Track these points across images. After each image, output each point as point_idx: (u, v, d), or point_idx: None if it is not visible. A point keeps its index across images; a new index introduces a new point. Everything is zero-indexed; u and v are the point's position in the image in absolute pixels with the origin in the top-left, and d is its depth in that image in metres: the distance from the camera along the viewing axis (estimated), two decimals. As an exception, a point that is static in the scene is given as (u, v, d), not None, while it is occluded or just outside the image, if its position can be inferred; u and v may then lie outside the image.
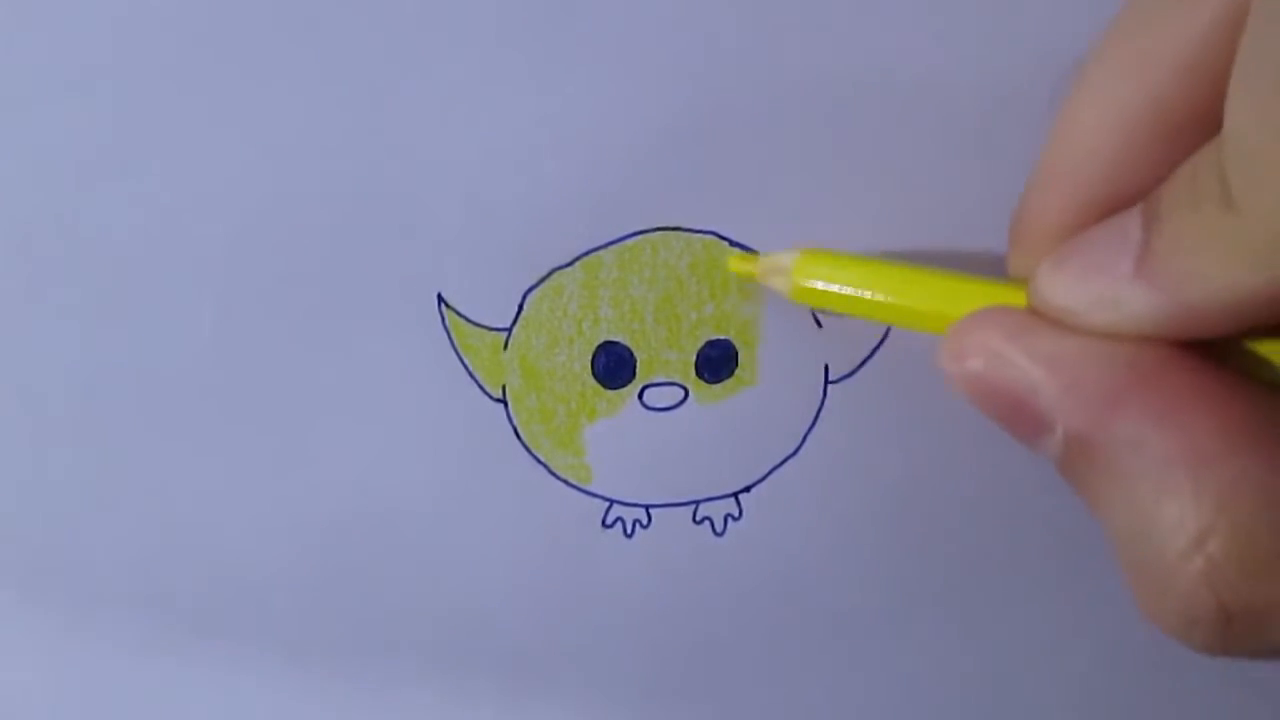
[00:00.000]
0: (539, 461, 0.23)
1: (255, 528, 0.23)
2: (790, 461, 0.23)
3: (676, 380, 0.23)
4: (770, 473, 0.23)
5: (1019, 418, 0.16)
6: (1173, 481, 0.14)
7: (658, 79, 0.21)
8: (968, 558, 0.24)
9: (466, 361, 0.22)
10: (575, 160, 0.21)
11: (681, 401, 0.23)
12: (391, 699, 0.24)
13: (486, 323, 0.22)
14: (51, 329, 0.22)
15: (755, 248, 0.22)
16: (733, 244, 0.22)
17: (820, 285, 0.20)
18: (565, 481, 0.23)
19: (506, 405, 0.23)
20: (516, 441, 0.23)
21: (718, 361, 0.23)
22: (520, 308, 0.22)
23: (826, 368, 0.23)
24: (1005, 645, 0.25)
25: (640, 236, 0.22)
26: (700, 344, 0.23)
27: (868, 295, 0.20)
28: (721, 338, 0.23)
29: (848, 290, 0.20)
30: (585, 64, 0.21)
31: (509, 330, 0.22)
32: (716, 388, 0.23)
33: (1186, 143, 0.15)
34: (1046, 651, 0.25)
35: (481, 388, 0.22)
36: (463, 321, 0.22)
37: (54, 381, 0.22)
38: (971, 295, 0.18)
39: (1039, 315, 0.17)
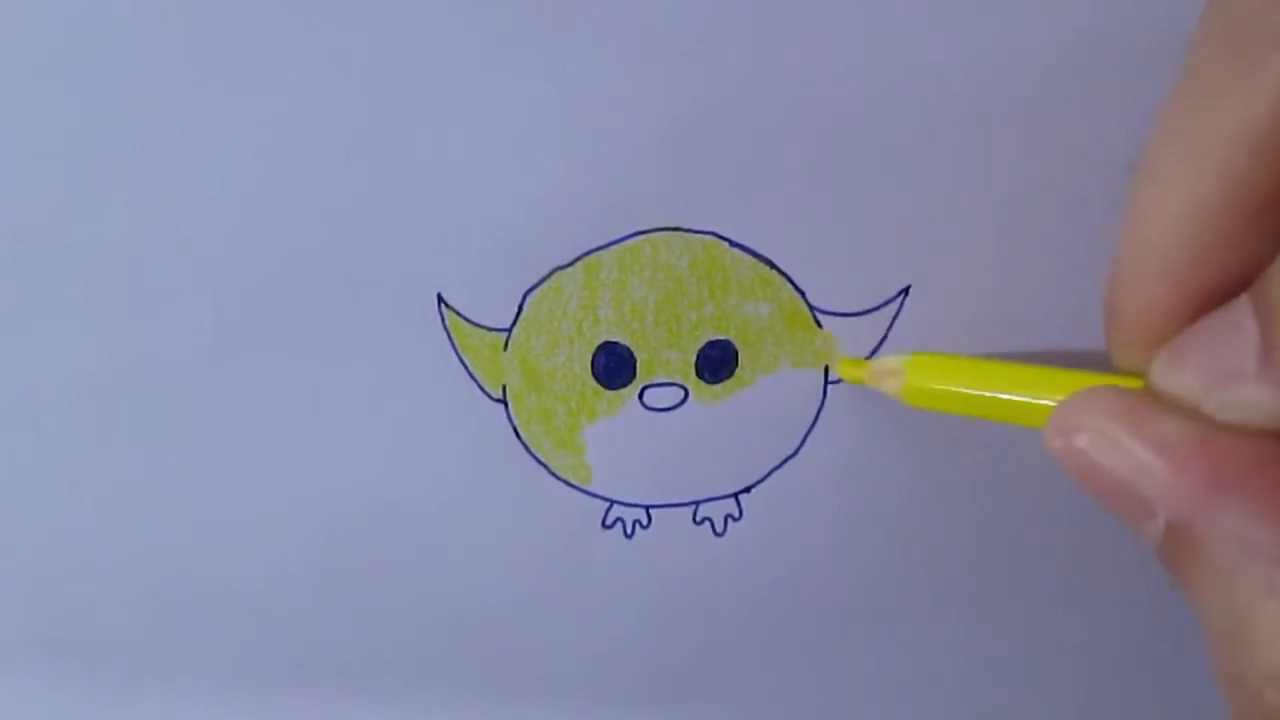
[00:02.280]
0: (539, 461, 0.23)
1: (256, 527, 0.23)
2: (790, 461, 0.23)
3: (677, 380, 0.23)
4: (770, 473, 0.23)
5: (1122, 500, 0.16)
6: (1275, 582, 0.14)
7: (658, 79, 0.21)
8: (967, 558, 0.24)
9: (466, 361, 0.22)
10: (575, 160, 0.21)
11: (682, 402, 0.23)
12: (392, 698, 0.24)
13: (486, 323, 0.22)
14: (51, 331, 0.22)
15: (755, 248, 0.22)
16: (733, 244, 0.22)
17: (935, 386, 0.21)
18: (565, 481, 0.23)
19: (506, 405, 0.23)
20: (516, 441, 0.23)
21: (718, 362, 0.23)
22: (520, 308, 0.22)
23: (826, 368, 0.23)
24: (1005, 644, 0.25)
25: (640, 236, 0.22)
26: (700, 344, 0.23)
27: (983, 394, 0.20)
28: (721, 338, 0.23)
29: (963, 389, 0.20)
30: (586, 64, 0.21)
31: (509, 330, 0.22)
32: (716, 388, 0.23)
33: (1273, 218, 0.15)
34: (1046, 651, 0.25)
35: (481, 388, 0.22)
36: (463, 321, 0.22)
37: (54, 383, 0.22)
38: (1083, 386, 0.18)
39: (1149, 397, 0.16)
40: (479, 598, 0.24)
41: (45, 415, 0.22)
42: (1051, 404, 0.18)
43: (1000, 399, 0.20)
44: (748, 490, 0.23)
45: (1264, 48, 0.15)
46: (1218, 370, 0.15)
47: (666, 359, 0.23)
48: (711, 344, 0.23)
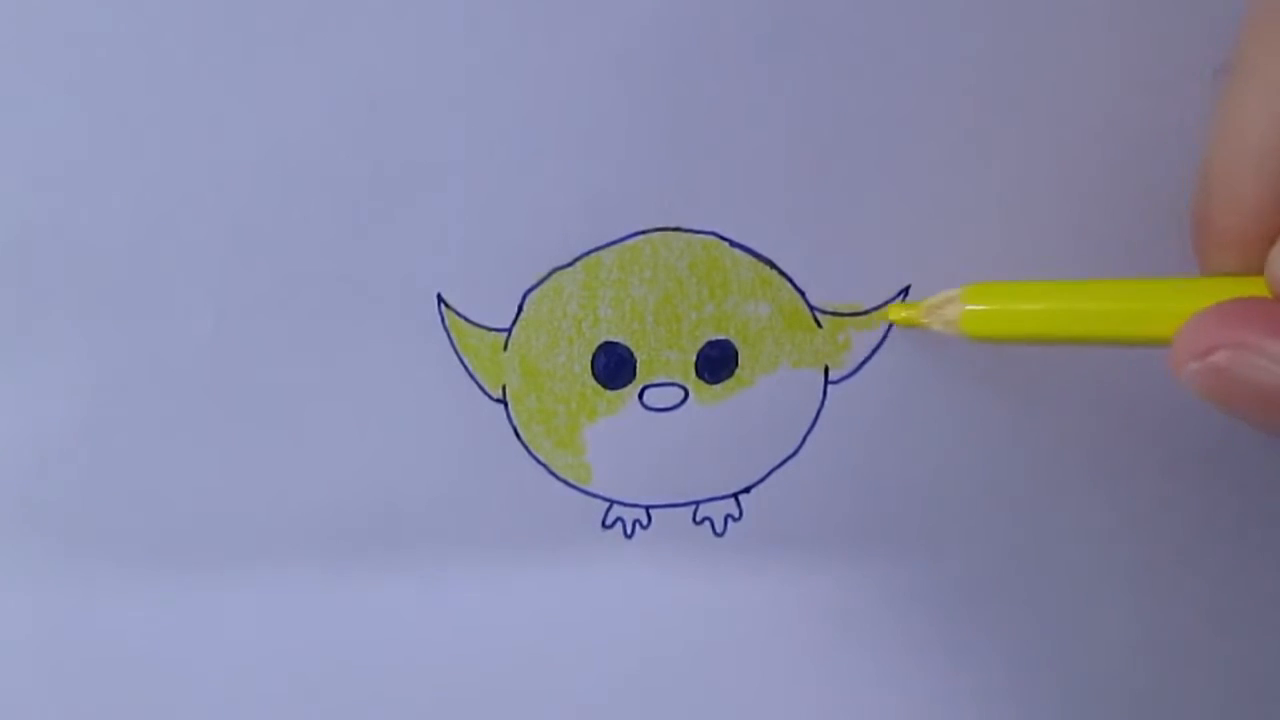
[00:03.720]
0: (539, 462, 0.23)
1: (255, 527, 0.23)
2: (790, 461, 0.23)
3: (677, 380, 0.23)
4: (770, 473, 0.23)
5: (1275, 408, 0.15)
6: None
7: (659, 79, 0.21)
8: (967, 558, 0.24)
9: (466, 361, 0.22)
10: (575, 160, 0.21)
11: (682, 402, 0.23)
12: (392, 699, 0.24)
13: (486, 323, 0.22)
14: (52, 330, 0.22)
15: (755, 248, 0.22)
16: (733, 244, 0.22)
17: (997, 306, 0.20)
18: (565, 482, 0.23)
19: (506, 405, 0.23)
20: (516, 441, 0.23)
21: (718, 362, 0.23)
22: (520, 308, 0.22)
23: (826, 368, 0.23)
24: (1004, 645, 0.25)
25: (640, 236, 0.22)
26: (700, 344, 0.23)
27: (1049, 308, 0.19)
28: (721, 338, 0.22)
29: (1027, 306, 0.19)
30: (586, 64, 0.21)
31: (509, 330, 0.22)
32: (716, 388, 0.23)
33: None
34: (1046, 650, 0.25)
35: (481, 388, 0.22)
36: (463, 321, 0.22)
37: (55, 383, 0.22)
38: (1163, 293, 0.18)
39: (1273, 301, 0.16)
40: (479, 598, 0.24)
41: (46, 415, 0.22)
42: (1124, 307, 0.18)
43: (1072, 310, 0.19)
44: (748, 490, 0.23)
45: None
46: None
47: (666, 359, 0.23)
48: (711, 344, 0.23)
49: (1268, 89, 0.16)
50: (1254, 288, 0.16)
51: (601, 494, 0.23)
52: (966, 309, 0.20)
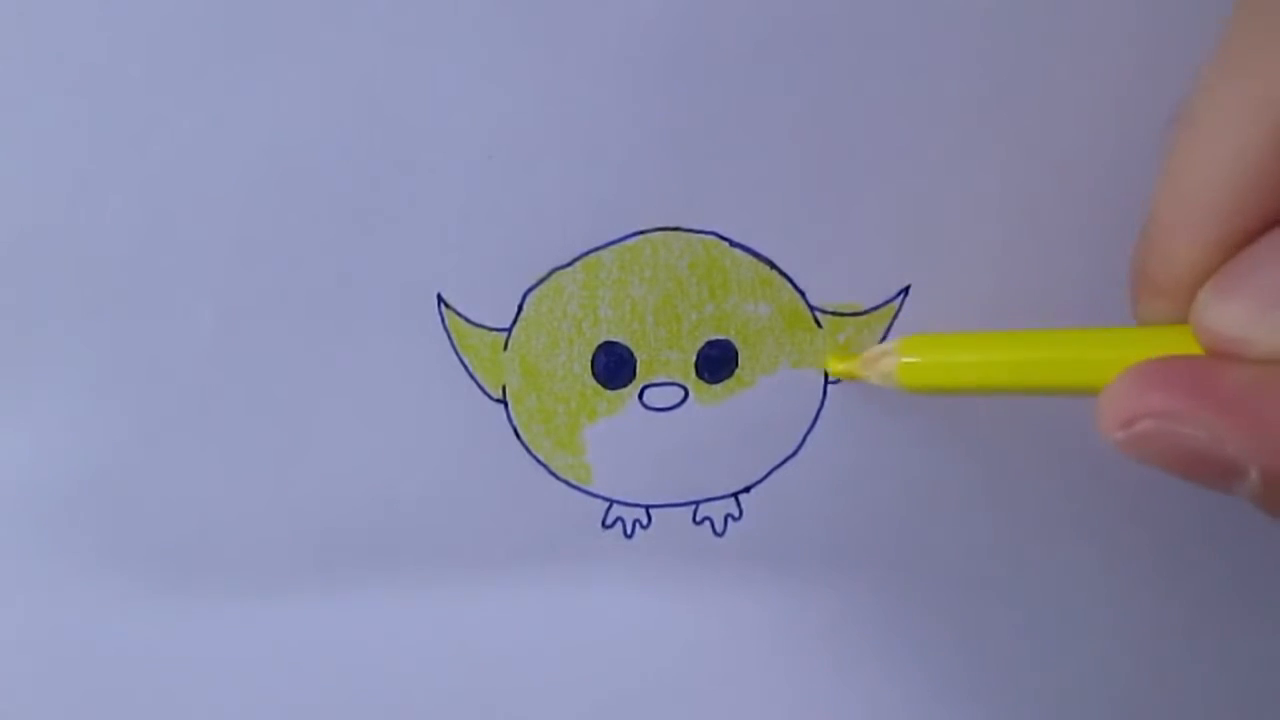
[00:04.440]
0: (539, 462, 0.23)
1: (255, 528, 0.23)
2: (790, 461, 0.23)
3: (677, 380, 0.23)
4: (770, 473, 0.23)
5: (1206, 470, 0.15)
6: None
7: (659, 79, 0.21)
8: (966, 558, 0.24)
9: (466, 361, 0.22)
10: (575, 160, 0.21)
11: (682, 402, 0.23)
12: (391, 700, 0.24)
13: (486, 323, 0.22)
14: (52, 331, 0.22)
15: (755, 248, 0.22)
16: (733, 244, 0.22)
17: (932, 359, 0.20)
18: (565, 481, 0.23)
19: (506, 405, 0.23)
20: (516, 441, 0.23)
21: (718, 362, 0.23)
22: (520, 308, 0.22)
23: (826, 368, 0.23)
24: (1003, 646, 0.25)
25: (640, 236, 0.22)
26: (700, 344, 0.23)
27: (985, 359, 0.19)
28: (721, 338, 0.23)
29: (962, 358, 0.20)
30: (586, 64, 0.21)
31: (509, 330, 0.22)
32: (717, 388, 0.23)
33: None
34: (1045, 652, 0.25)
35: (481, 388, 0.22)
36: (463, 321, 0.22)
37: (54, 384, 0.22)
38: (1096, 343, 0.18)
39: (1196, 359, 0.16)
40: (478, 598, 0.24)
41: (46, 415, 0.22)
42: (1060, 359, 0.18)
43: (1005, 361, 0.19)
44: (748, 490, 0.23)
45: None
46: (1268, 295, 0.15)
47: (666, 359, 0.23)
48: (711, 344, 0.23)
49: (1212, 143, 0.16)
50: (1185, 336, 0.16)
51: (601, 494, 0.23)
52: (902, 361, 0.20)
